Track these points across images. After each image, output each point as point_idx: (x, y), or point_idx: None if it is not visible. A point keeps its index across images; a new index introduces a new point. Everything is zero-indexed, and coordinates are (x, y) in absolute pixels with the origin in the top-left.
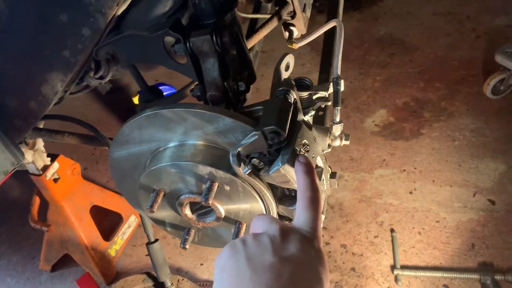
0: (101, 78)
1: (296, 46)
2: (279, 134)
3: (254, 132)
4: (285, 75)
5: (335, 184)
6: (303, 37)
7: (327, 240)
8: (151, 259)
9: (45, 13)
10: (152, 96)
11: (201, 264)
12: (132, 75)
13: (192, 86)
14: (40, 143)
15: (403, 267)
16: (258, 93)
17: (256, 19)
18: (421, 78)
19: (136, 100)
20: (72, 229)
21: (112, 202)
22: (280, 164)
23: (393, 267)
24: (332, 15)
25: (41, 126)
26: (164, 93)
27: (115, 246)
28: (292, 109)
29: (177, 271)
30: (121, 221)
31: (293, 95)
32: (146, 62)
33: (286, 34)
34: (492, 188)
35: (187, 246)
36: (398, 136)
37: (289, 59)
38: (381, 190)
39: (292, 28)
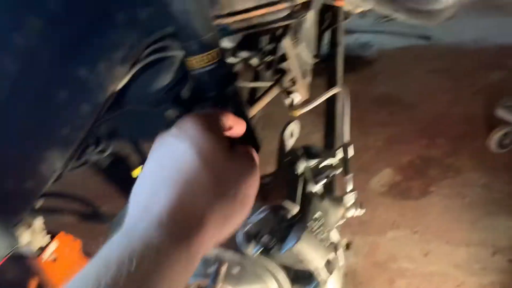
0: (101, 152)
1: (298, 113)
2: (290, 209)
3: (263, 208)
4: (290, 142)
5: (351, 257)
6: (304, 103)
7: None
8: None
9: (44, 90)
10: None
11: None
12: (133, 151)
13: None
14: (38, 222)
15: None
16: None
17: (256, 88)
18: (423, 135)
19: (136, 173)
20: None
21: None
22: (293, 244)
23: None
24: (332, 80)
25: (40, 203)
26: None
27: None
28: (302, 180)
29: None
30: None
31: (302, 165)
32: (147, 138)
33: (288, 101)
34: (511, 247)
35: None
36: (406, 195)
37: (294, 126)
38: (395, 253)
39: (292, 95)
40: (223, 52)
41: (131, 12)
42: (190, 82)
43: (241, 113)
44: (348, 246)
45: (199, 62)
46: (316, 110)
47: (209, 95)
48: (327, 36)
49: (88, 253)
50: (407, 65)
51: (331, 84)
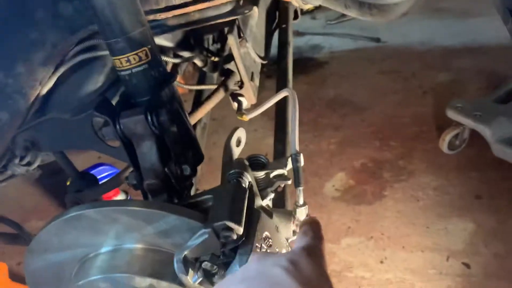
0: (28, 164)
1: (246, 118)
2: (233, 230)
3: (203, 231)
4: (236, 151)
5: None
6: (253, 107)
7: None
8: None
9: None
10: (84, 184)
11: None
12: (58, 162)
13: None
14: None
15: None
16: (211, 162)
17: (201, 90)
18: (375, 137)
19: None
20: None
21: None
22: (238, 267)
23: None
24: (282, 82)
25: None
26: (103, 175)
27: None
28: (247, 195)
29: None
30: None
31: (248, 178)
32: (72, 148)
33: (235, 105)
34: (465, 250)
35: None
36: (360, 200)
37: (240, 133)
38: (351, 261)
39: (240, 98)
40: (157, 51)
41: (53, 7)
42: (120, 86)
43: (179, 121)
44: None
45: (126, 62)
46: (267, 114)
47: (140, 100)
48: (275, 36)
49: (15, 275)
50: (358, 67)
51: (281, 86)
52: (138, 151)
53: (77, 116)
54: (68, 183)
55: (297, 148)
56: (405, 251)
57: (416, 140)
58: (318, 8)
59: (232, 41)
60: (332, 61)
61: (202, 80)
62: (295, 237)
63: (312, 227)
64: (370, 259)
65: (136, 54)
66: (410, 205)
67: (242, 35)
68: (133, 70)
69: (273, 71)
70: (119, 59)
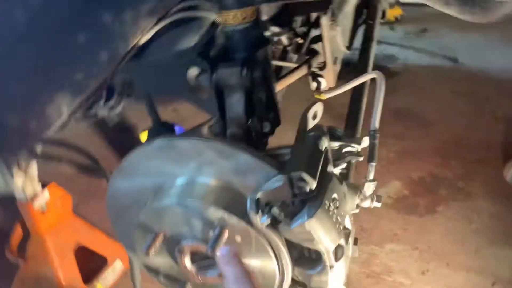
0: (111, 108)
1: (324, 97)
2: (307, 183)
3: (279, 177)
4: (311, 123)
5: (356, 252)
6: (331, 89)
7: None
8: None
9: (63, 29)
10: (163, 131)
11: None
12: (146, 106)
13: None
14: (33, 168)
15: None
16: None
17: (280, 67)
18: (437, 153)
19: (143, 136)
20: (51, 266)
21: (99, 243)
22: (306, 218)
23: None
24: (363, 70)
25: (38, 150)
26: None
27: None
28: (323, 157)
29: None
30: (105, 265)
31: (325, 143)
32: (165, 93)
33: (314, 84)
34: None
35: None
36: (411, 211)
37: (318, 107)
38: (391, 266)
39: (320, 79)
40: (260, 13)
41: None
42: (219, 40)
43: (267, 82)
44: (355, 242)
45: (233, 18)
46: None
47: (238, 56)
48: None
49: (79, 214)
50: (430, 83)
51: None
52: (227, 101)
53: (178, 61)
54: (142, 134)
55: (377, 126)
56: (449, 269)
57: (480, 164)
58: (398, 20)
59: (325, 21)
60: (405, 73)
61: (281, 59)
62: (357, 211)
63: None
64: (412, 268)
65: (245, 11)
66: (461, 226)
67: (334, 18)
68: (237, 27)
69: (344, 74)
70: (226, 14)
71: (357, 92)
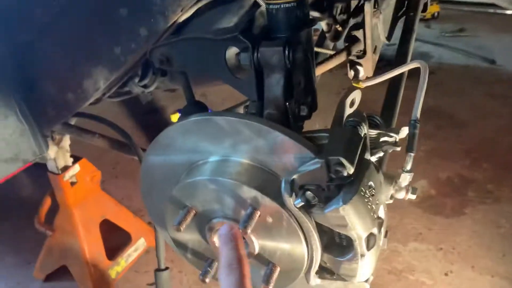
0: (145, 87)
1: (363, 85)
2: (345, 168)
3: (316, 160)
4: (348, 111)
5: (385, 244)
6: (369, 78)
7: None
8: None
9: (106, 3)
10: (196, 110)
11: None
12: (181, 85)
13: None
14: (66, 141)
15: None
16: None
17: (316, 54)
18: (467, 155)
19: (174, 118)
20: (77, 239)
21: (124, 219)
22: (341, 203)
23: None
24: (402, 61)
25: (72, 123)
26: None
27: (117, 268)
28: (362, 143)
29: None
30: (129, 242)
31: (364, 129)
32: (202, 72)
33: (351, 73)
34: None
35: (207, 280)
36: (437, 211)
37: (356, 95)
38: (414, 265)
39: (358, 67)
40: None
41: None
42: (259, 22)
43: (307, 65)
44: (386, 234)
45: None
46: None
47: (280, 35)
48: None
49: (106, 190)
50: (465, 83)
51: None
52: (267, 81)
53: (221, 36)
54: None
55: (418, 116)
56: (474, 272)
57: (511, 170)
58: (435, 17)
59: (368, 8)
60: (439, 72)
61: (318, 45)
62: (391, 201)
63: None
64: (435, 268)
65: None
66: (489, 229)
67: (378, 6)
68: (282, 6)
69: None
70: None
71: (395, 83)
